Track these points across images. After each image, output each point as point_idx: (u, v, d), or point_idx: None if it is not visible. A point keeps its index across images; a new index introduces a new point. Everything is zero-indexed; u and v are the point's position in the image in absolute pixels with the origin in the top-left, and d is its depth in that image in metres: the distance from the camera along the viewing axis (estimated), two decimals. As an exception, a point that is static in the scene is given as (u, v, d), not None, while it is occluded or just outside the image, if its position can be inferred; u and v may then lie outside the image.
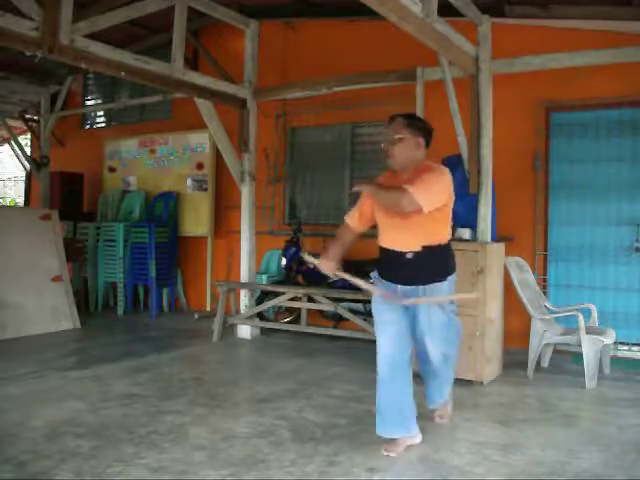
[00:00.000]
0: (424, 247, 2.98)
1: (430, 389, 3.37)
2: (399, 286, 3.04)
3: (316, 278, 5.92)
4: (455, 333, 3.26)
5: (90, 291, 7.36)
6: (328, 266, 3.08)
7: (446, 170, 3.05)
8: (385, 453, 2.99)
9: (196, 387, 4.18)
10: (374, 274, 3.18)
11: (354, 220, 3.20)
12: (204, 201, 7.28)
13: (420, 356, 3.22)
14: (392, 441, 3.03)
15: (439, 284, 3.03)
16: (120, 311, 7.09)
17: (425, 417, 3.56)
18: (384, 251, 3.10)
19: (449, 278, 3.09)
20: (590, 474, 2.80)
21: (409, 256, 2.99)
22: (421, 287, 3.01)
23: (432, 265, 3.02)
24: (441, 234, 3.06)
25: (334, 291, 5.57)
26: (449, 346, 3.19)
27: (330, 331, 5.64)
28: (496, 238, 4.76)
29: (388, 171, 3.18)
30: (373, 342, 5.13)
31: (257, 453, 2.98)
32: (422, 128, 3.11)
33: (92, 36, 4.42)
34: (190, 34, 6.09)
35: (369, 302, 5.41)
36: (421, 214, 2.87)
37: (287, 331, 5.92)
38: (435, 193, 2.90)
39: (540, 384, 4.35)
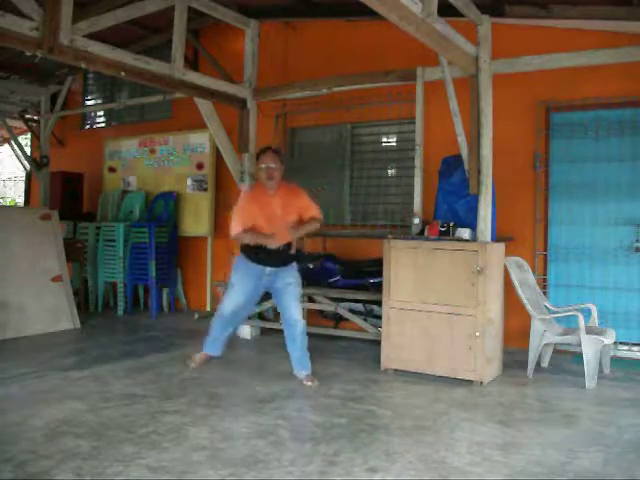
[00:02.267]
0: (287, 242, 4.25)
1: (295, 358, 4.40)
2: (267, 267, 4.31)
3: (316, 278, 5.92)
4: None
5: (90, 291, 7.36)
6: (275, 240, 4.16)
7: None
8: (193, 365, 4.59)
9: (196, 387, 4.18)
10: (240, 257, 4.40)
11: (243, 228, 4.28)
12: (204, 201, 7.28)
13: (287, 320, 4.37)
14: (205, 357, 4.63)
15: (293, 263, 4.41)
16: (120, 311, 7.09)
17: (423, 418, 3.56)
18: (261, 247, 4.23)
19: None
20: (590, 474, 2.80)
21: (280, 248, 4.24)
22: (283, 267, 4.34)
23: (287, 253, 4.32)
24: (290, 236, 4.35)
25: (334, 291, 5.58)
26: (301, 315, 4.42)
27: (330, 331, 5.65)
28: (496, 238, 4.76)
29: (254, 190, 4.42)
30: (373, 342, 5.15)
31: (257, 453, 2.98)
32: (283, 160, 4.33)
33: (92, 36, 4.42)
34: (190, 34, 6.08)
35: (369, 302, 5.49)
36: (289, 221, 4.20)
37: (287, 331, 5.91)
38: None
39: (540, 384, 4.36)
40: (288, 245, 4.30)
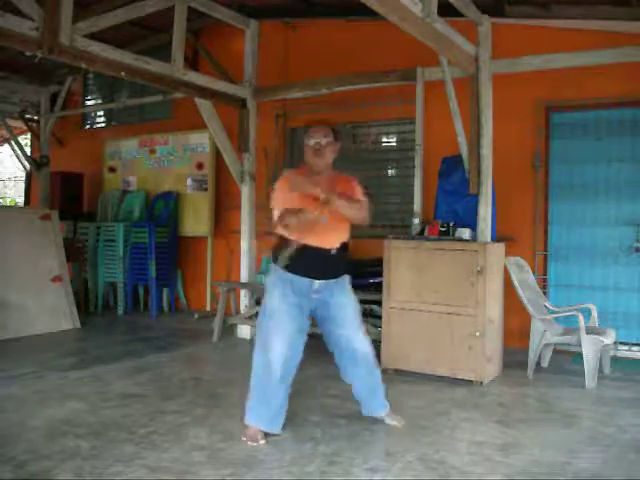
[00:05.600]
0: (342, 244, 3.25)
1: (367, 397, 3.45)
2: (316, 281, 3.18)
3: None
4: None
5: (90, 291, 7.36)
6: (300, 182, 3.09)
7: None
8: (253, 444, 3.10)
9: (196, 387, 4.18)
10: (275, 269, 3.23)
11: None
12: (204, 201, 7.28)
13: (346, 358, 3.39)
14: (257, 431, 3.17)
15: (346, 276, 3.38)
16: (120, 311, 7.09)
17: (421, 418, 3.56)
18: (307, 248, 3.12)
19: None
20: (590, 474, 2.80)
21: (333, 252, 3.19)
22: (334, 280, 3.26)
23: (343, 260, 3.32)
24: (348, 232, 3.31)
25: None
26: (367, 335, 3.45)
27: (330, 331, 5.63)
28: (496, 238, 4.76)
29: (296, 172, 3.30)
30: (373, 342, 5.12)
31: (257, 453, 2.98)
32: (339, 137, 3.33)
33: (92, 36, 4.43)
34: (190, 34, 6.08)
35: (369, 302, 5.47)
36: (343, 216, 3.15)
37: (287, 331, 5.91)
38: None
39: (540, 384, 4.35)
40: (342, 250, 3.26)
